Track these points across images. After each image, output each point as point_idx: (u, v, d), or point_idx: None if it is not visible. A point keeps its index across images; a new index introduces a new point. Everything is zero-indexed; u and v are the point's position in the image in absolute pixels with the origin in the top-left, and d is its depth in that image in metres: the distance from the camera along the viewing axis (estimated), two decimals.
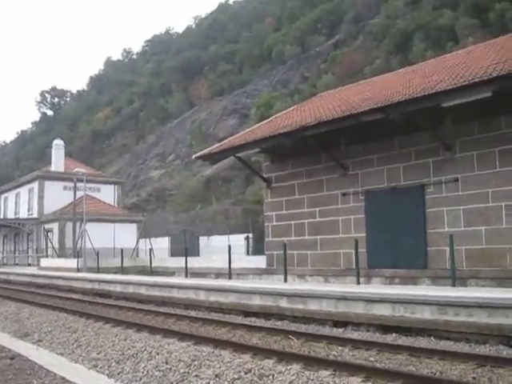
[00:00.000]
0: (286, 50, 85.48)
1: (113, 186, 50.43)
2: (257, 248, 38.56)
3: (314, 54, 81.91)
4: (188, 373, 9.08)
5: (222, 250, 40.35)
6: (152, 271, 32.20)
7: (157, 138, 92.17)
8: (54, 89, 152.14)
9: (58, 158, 49.47)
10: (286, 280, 18.83)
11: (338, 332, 12.87)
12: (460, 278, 17.10)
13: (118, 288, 22.82)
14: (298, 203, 22.84)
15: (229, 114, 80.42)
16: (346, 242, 20.92)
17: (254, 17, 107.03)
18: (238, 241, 40.80)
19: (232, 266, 28.50)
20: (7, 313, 19.26)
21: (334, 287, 15.23)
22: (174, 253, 41.01)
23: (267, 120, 25.76)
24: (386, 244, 19.24)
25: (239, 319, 15.30)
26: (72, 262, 33.99)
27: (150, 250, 27.97)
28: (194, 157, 24.34)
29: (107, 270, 31.11)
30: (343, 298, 13.36)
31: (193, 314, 16.92)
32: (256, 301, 15.54)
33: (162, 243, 41.31)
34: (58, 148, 49.99)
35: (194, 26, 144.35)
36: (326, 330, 13.14)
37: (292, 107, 27.60)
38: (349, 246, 20.84)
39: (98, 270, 30.50)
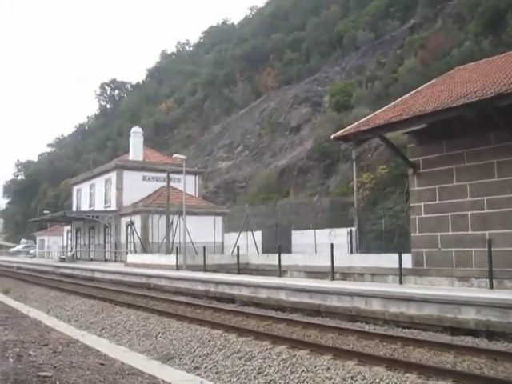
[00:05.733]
0: (359, 35, 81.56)
1: (194, 176, 47.04)
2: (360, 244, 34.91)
3: (388, 39, 78.17)
4: None
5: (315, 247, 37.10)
6: (257, 269, 29.13)
7: (222, 128, 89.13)
8: (113, 81, 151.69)
9: (136, 147, 46.25)
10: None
11: None
12: None
13: (244, 292, 19.33)
14: (457, 191, 19.14)
15: (300, 103, 76.89)
16: None
17: (318, 4, 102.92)
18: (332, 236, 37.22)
19: (347, 264, 25.11)
20: (126, 324, 15.70)
21: None
22: (265, 249, 37.49)
23: (407, 95, 22.00)
24: None
25: (447, 339, 11.79)
26: (168, 259, 30.70)
27: (279, 246, 24.14)
28: (332, 137, 20.63)
29: (208, 268, 28.01)
30: None
31: (370, 329, 13.45)
32: (470, 314, 11.95)
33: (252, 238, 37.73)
34: (136, 136, 46.95)
35: (251, 16, 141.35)
36: None
37: (426, 83, 23.75)
38: None
39: (205, 269, 27.23)
